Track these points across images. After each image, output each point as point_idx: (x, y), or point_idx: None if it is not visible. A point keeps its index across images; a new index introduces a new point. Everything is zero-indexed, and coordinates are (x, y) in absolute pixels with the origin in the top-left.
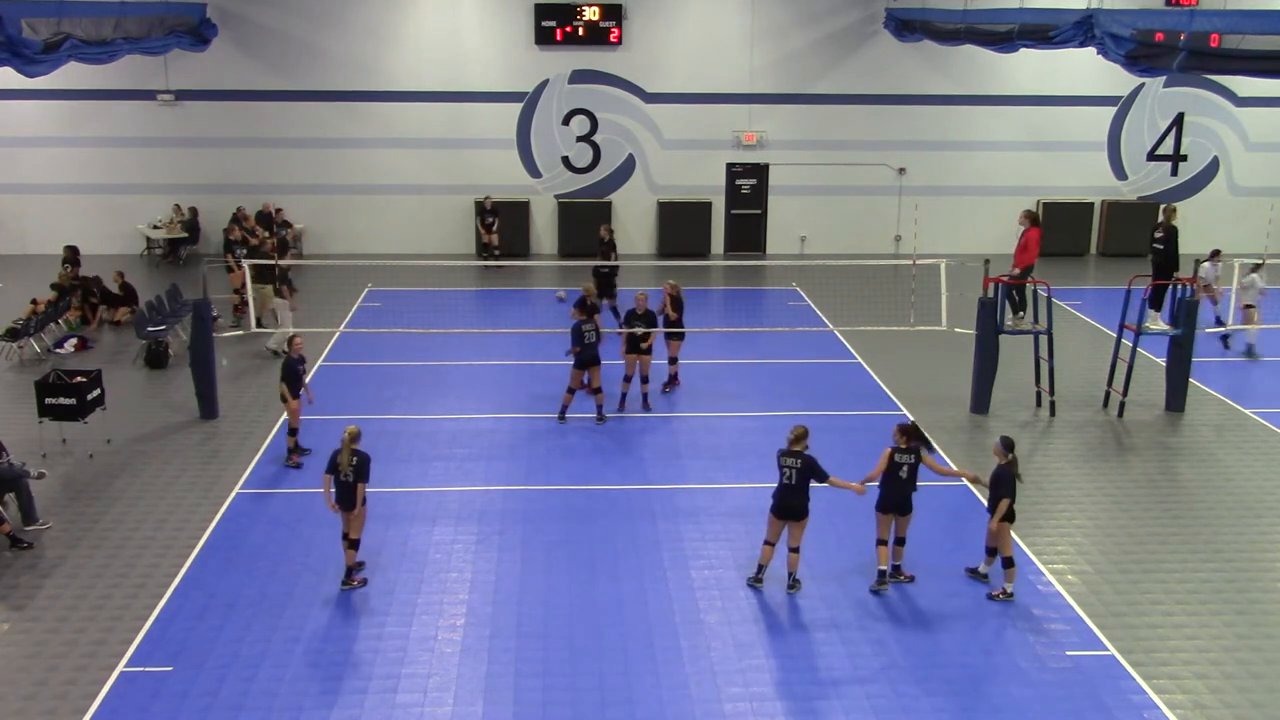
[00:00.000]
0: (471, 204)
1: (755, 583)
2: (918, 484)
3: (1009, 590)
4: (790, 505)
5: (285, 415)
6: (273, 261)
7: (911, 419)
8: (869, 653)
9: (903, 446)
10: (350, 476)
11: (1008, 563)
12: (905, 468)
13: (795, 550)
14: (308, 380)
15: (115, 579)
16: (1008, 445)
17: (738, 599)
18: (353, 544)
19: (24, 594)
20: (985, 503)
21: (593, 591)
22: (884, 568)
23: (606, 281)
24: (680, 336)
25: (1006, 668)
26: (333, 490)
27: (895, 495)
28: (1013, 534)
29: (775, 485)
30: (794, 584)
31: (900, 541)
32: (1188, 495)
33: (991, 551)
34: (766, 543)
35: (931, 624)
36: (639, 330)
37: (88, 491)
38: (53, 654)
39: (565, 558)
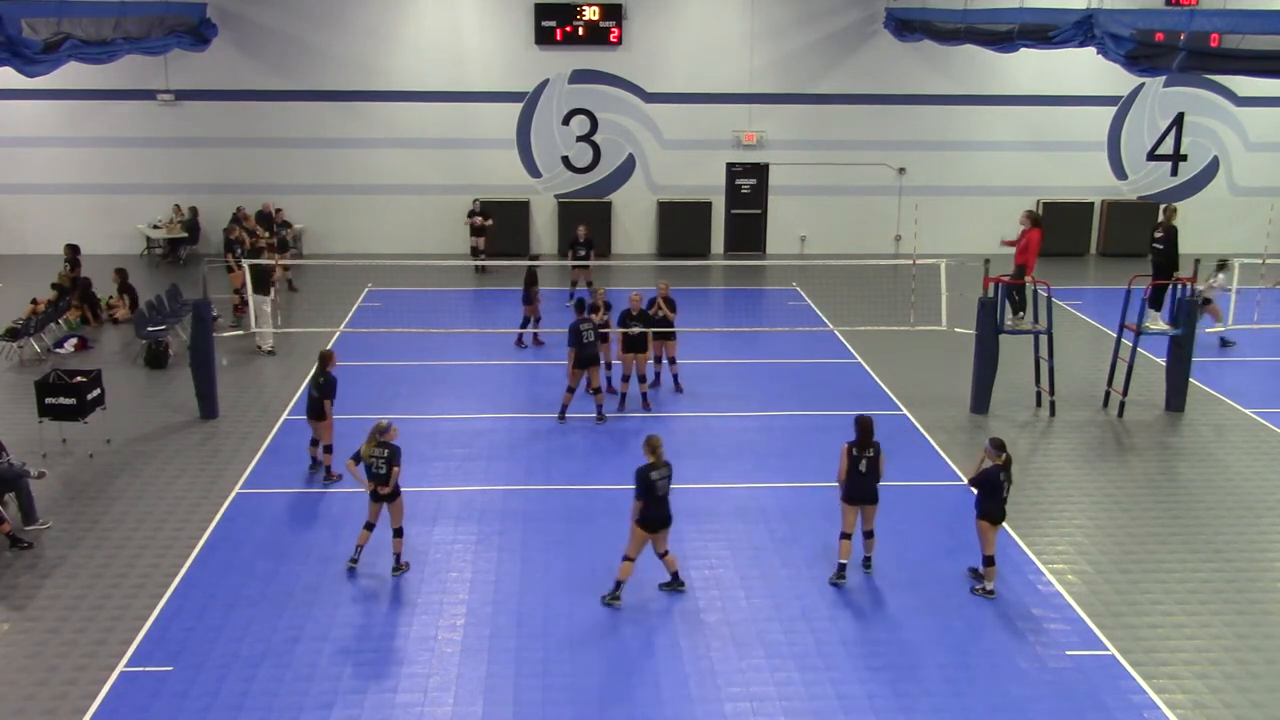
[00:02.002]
0: (471, 204)
1: (611, 600)
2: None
3: (989, 587)
4: (666, 515)
5: (317, 431)
6: (263, 261)
7: (868, 414)
8: (868, 652)
9: (859, 441)
10: (382, 468)
11: (987, 561)
12: (864, 461)
13: (667, 553)
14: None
15: (115, 579)
16: (997, 446)
17: (738, 599)
18: (397, 532)
19: (24, 594)
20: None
21: (593, 591)
22: (844, 561)
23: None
24: (674, 336)
25: (1006, 668)
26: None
27: (859, 488)
28: (1013, 534)
29: (640, 498)
30: (677, 583)
31: (868, 534)
32: (1188, 495)
33: (990, 561)
34: (627, 559)
35: (931, 624)
36: (635, 330)
37: (88, 491)
38: (53, 654)
39: (565, 557)
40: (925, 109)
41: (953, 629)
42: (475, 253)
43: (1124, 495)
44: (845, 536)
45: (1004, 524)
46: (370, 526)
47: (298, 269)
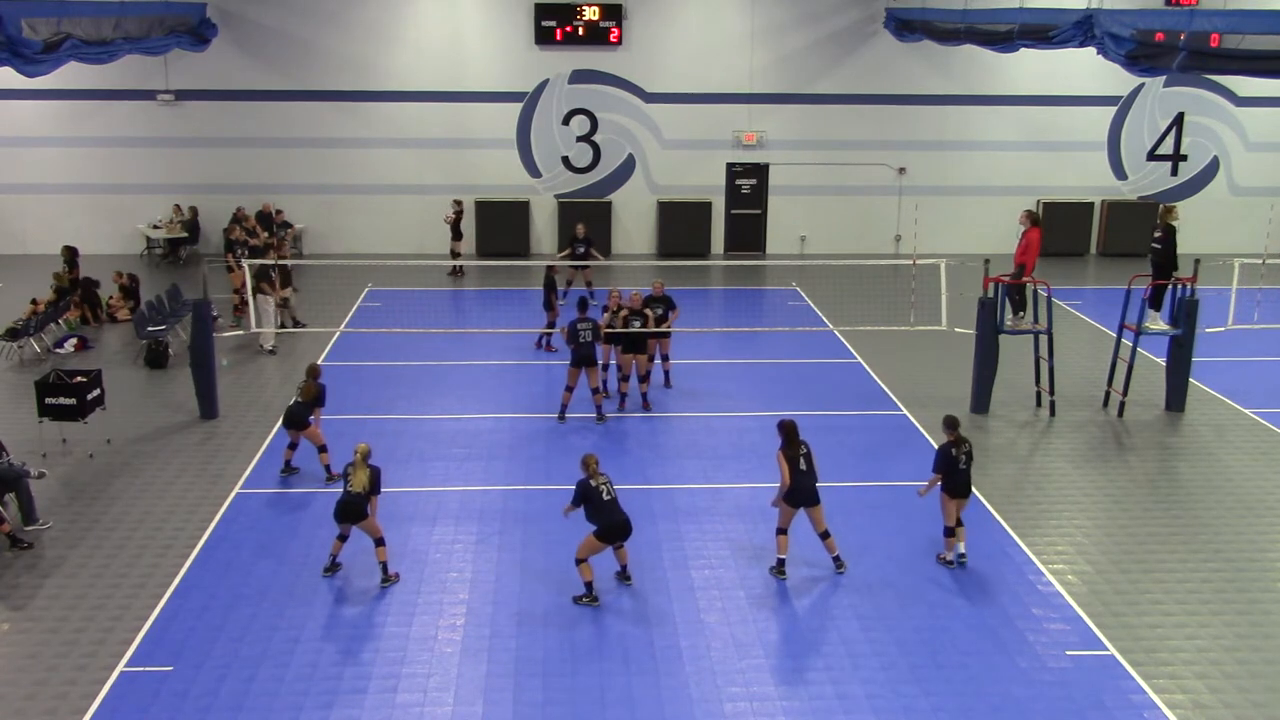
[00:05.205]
0: (472, 204)
1: (589, 600)
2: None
3: (949, 556)
4: (623, 522)
5: (307, 438)
6: (265, 261)
7: (790, 418)
8: (868, 653)
9: (788, 441)
10: (365, 489)
11: (946, 532)
12: (801, 459)
13: (621, 547)
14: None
15: (115, 579)
16: (947, 424)
17: (738, 599)
18: (379, 542)
19: (24, 594)
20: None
21: None
22: (783, 556)
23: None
24: (668, 334)
25: (1006, 668)
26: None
27: (802, 488)
28: (1013, 534)
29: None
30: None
31: (825, 535)
32: (1188, 495)
33: (949, 532)
34: (580, 560)
35: (931, 624)
36: (635, 329)
37: (88, 491)
38: (53, 654)
39: (565, 558)
40: (925, 109)
41: (953, 629)
42: (454, 255)
43: (1124, 495)
44: (781, 532)
45: (993, 510)
46: (343, 538)
47: (298, 269)
